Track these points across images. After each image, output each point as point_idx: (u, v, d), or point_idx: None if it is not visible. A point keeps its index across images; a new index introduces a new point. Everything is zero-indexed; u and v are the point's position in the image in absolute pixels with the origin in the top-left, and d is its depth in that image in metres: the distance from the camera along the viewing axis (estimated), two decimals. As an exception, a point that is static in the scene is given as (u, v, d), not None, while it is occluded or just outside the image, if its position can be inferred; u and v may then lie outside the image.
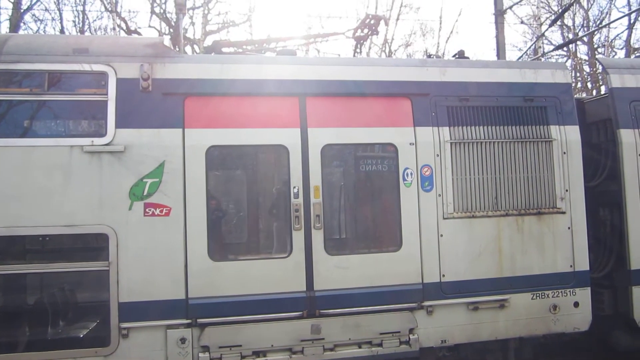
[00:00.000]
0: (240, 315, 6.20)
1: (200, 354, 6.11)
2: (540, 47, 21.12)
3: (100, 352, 5.94)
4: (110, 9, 24.24)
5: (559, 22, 26.01)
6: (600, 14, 29.44)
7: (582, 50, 29.55)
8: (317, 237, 6.42)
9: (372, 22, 8.63)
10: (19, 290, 6.30)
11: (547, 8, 27.72)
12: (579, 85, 27.43)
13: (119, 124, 6.12)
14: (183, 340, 6.07)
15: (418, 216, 6.67)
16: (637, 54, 27.22)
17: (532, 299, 6.92)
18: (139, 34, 23.98)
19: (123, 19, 24.29)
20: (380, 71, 6.94)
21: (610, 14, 28.57)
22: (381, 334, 6.51)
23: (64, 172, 5.93)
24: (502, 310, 6.83)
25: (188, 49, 23.84)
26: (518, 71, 7.29)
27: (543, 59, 19.37)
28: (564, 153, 7.11)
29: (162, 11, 24.63)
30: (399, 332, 6.55)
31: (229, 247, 6.69)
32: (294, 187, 6.44)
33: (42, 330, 6.19)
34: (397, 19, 26.90)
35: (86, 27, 24.77)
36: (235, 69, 6.59)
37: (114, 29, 23.70)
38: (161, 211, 6.09)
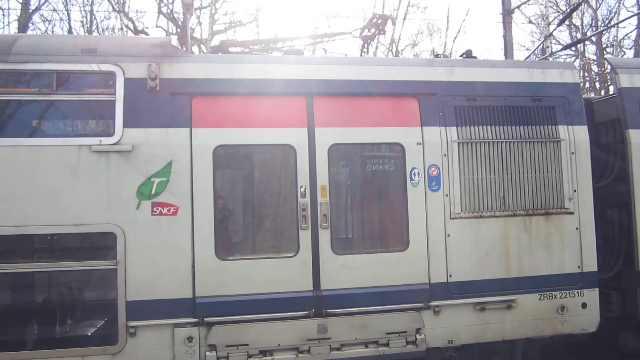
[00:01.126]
0: (247, 314, 6.21)
1: (208, 353, 6.12)
2: (548, 46, 21.05)
3: (107, 350, 5.97)
4: (117, 9, 24.36)
5: (567, 22, 25.87)
6: (608, 14, 29.25)
7: (590, 50, 29.42)
8: (324, 236, 6.42)
9: (379, 21, 8.64)
10: (28, 289, 6.33)
11: (555, 7, 27.61)
12: (588, 85, 27.28)
13: (126, 124, 6.14)
14: (190, 339, 6.09)
15: (425, 216, 6.65)
16: (646, 54, 27.03)
17: (539, 299, 6.89)
18: (146, 34, 24.06)
19: (130, 19, 24.42)
20: (387, 71, 6.93)
21: (619, 14, 28.39)
22: (388, 333, 6.50)
23: (72, 172, 5.96)
24: (509, 311, 6.81)
25: (195, 48, 23.90)
26: (526, 71, 7.26)
27: (551, 59, 19.29)
28: (572, 153, 7.07)
29: (169, 11, 24.71)
30: (405, 332, 6.55)
31: (236, 246, 6.71)
32: (301, 187, 6.44)
33: (51, 329, 6.23)
34: (404, 19, 26.86)
35: (94, 27, 24.89)
36: (242, 68, 6.61)
37: (121, 29, 23.83)
38: (168, 210, 6.12)
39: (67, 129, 6.37)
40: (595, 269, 7.06)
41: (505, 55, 17.49)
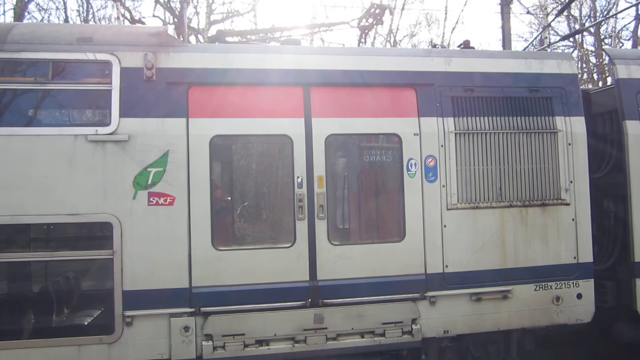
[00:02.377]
0: (244, 304, 6.22)
1: (204, 342, 6.14)
2: (546, 37, 21.00)
3: (104, 340, 5.99)
4: (114, -2, 24.17)
5: (565, 13, 25.80)
6: (607, 5, 29.10)
7: (588, 41, 29.35)
8: (321, 227, 6.43)
9: (377, 11, 8.59)
10: (24, 279, 6.34)
11: (553, -2, 27.48)
12: (585, 76, 27.24)
13: (123, 113, 6.12)
14: (187, 328, 6.10)
15: (422, 207, 6.66)
16: (644, 45, 26.99)
17: (535, 290, 6.92)
18: (143, 23, 23.88)
19: (127, 8, 24.23)
20: (384, 61, 6.90)
21: (617, 5, 28.22)
22: (384, 324, 6.53)
23: (68, 161, 5.94)
24: (505, 301, 6.84)
25: (192, 38, 23.79)
26: (524, 61, 7.25)
27: (549, 50, 19.23)
28: (569, 144, 7.08)
29: (166, 1, 24.55)
30: (401, 322, 6.57)
31: (233, 236, 6.71)
32: (298, 177, 6.44)
33: (47, 318, 6.24)
34: (402, 9, 26.75)
35: (90, 16, 24.75)
36: (239, 58, 6.58)
37: (118, 18, 23.67)
38: (165, 200, 6.11)
39: (63, 119, 6.33)
40: (591, 260, 7.09)
41: (503, 45, 17.46)
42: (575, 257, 7.02)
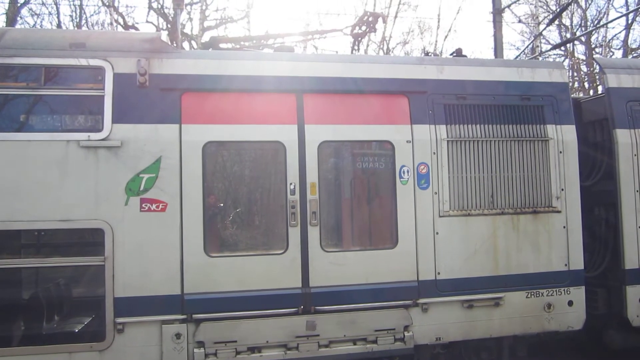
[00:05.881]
0: (236, 311, 6.20)
1: (195, 350, 6.11)
2: (537, 46, 21.12)
3: (95, 347, 5.94)
4: (107, 3, 24.14)
5: (556, 22, 26.00)
6: (598, 14, 29.48)
7: (579, 49, 29.61)
8: (313, 233, 6.43)
9: (370, 19, 8.64)
10: (14, 285, 6.29)
11: (545, 7, 27.74)
12: (576, 84, 27.46)
13: (115, 119, 6.11)
14: (178, 335, 6.07)
15: (414, 214, 6.68)
16: (634, 54, 27.28)
17: (526, 297, 6.95)
18: (136, 29, 23.85)
19: (120, 14, 24.19)
20: (377, 69, 6.94)
21: (608, 14, 28.60)
22: (376, 330, 6.53)
23: (60, 167, 5.92)
24: (497, 308, 6.86)
25: (185, 44, 23.78)
26: (515, 70, 7.31)
27: (540, 58, 19.37)
28: (560, 152, 7.13)
29: (159, 6, 24.54)
30: (393, 329, 6.57)
31: (225, 243, 6.69)
32: (291, 184, 6.44)
33: (37, 325, 6.20)
34: (395, 17, 26.80)
35: (83, 21, 24.66)
36: (232, 65, 6.59)
37: (111, 24, 23.62)
38: (157, 207, 6.09)
39: (55, 124, 6.32)
40: (582, 267, 7.13)
41: (495, 54, 17.56)
42: (566, 265, 7.06)
